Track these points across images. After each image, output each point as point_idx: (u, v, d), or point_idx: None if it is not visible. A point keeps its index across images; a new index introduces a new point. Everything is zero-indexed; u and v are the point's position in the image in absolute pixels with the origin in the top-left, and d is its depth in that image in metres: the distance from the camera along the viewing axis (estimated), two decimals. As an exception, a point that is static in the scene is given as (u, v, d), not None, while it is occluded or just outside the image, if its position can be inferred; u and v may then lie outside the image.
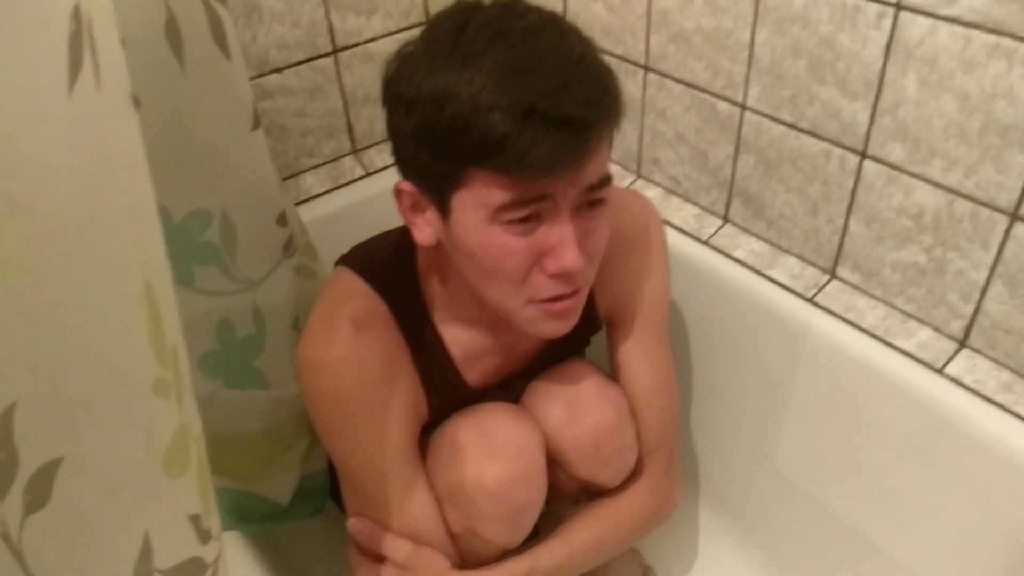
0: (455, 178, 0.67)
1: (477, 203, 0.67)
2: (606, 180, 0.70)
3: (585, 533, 0.89)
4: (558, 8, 1.17)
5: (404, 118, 0.68)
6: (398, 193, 0.74)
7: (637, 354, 0.92)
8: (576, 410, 0.86)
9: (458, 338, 0.84)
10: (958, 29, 0.77)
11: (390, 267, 0.83)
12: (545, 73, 0.64)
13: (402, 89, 0.68)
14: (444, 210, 0.70)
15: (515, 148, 0.63)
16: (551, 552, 0.87)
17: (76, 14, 0.35)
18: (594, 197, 0.70)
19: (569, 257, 0.68)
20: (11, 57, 0.31)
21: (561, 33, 0.68)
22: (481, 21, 0.67)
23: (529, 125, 0.62)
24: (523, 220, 0.67)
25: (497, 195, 0.66)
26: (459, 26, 0.67)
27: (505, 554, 0.88)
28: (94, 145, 0.36)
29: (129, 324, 0.39)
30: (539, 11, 0.70)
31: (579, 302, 0.75)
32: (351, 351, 0.77)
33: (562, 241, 0.68)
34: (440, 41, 0.67)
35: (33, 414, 0.36)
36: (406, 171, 0.73)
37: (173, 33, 0.76)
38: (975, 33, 0.76)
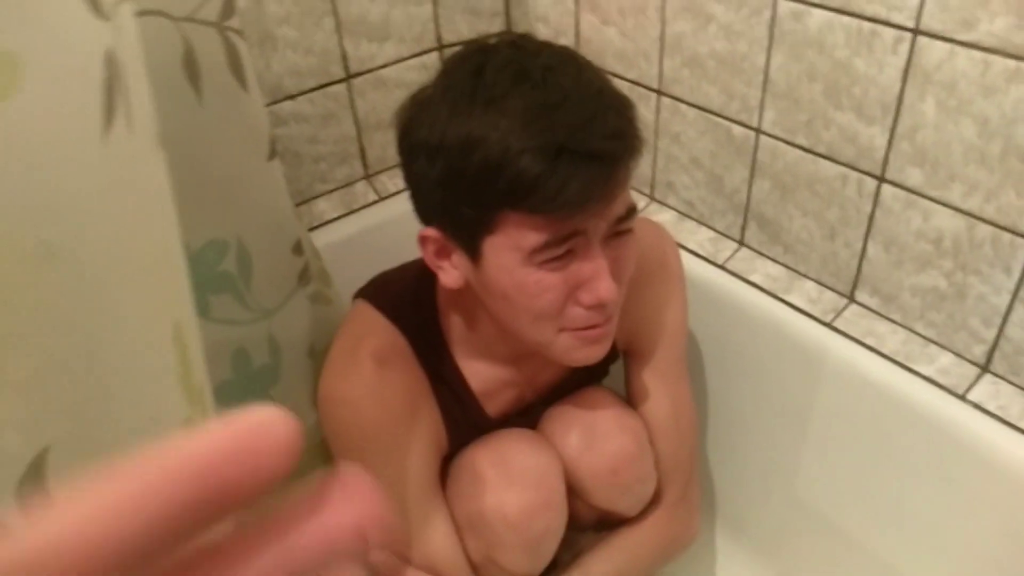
0: (487, 223, 0.67)
1: (511, 246, 0.67)
2: (632, 210, 0.71)
3: (604, 564, 0.88)
4: (570, 32, 1.17)
5: (427, 166, 0.68)
6: (422, 240, 0.73)
7: (655, 383, 0.92)
8: (594, 438, 0.86)
9: (478, 371, 0.84)
10: (977, 54, 0.76)
11: (410, 302, 0.82)
12: (570, 110, 0.63)
13: (423, 136, 0.68)
14: (474, 254, 0.70)
15: (548, 188, 0.63)
16: None
17: (109, 59, 0.35)
18: (622, 228, 0.70)
19: (603, 288, 0.69)
20: (49, 104, 0.31)
21: (578, 68, 0.68)
22: (498, 63, 0.66)
23: (560, 164, 0.62)
24: (557, 257, 0.67)
25: (531, 237, 0.66)
26: (476, 69, 0.67)
27: (525, 585, 0.87)
28: (127, 189, 0.36)
29: (160, 367, 0.39)
30: (551, 47, 0.70)
31: (612, 328, 0.75)
32: (373, 387, 0.76)
33: (596, 273, 0.69)
34: (458, 86, 0.67)
35: (66, 458, 0.36)
36: (430, 218, 0.72)
37: (191, 65, 0.76)
38: (994, 58, 0.75)
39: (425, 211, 0.73)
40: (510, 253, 0.67)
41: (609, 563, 0.88)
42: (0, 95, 0.29)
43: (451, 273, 0.74)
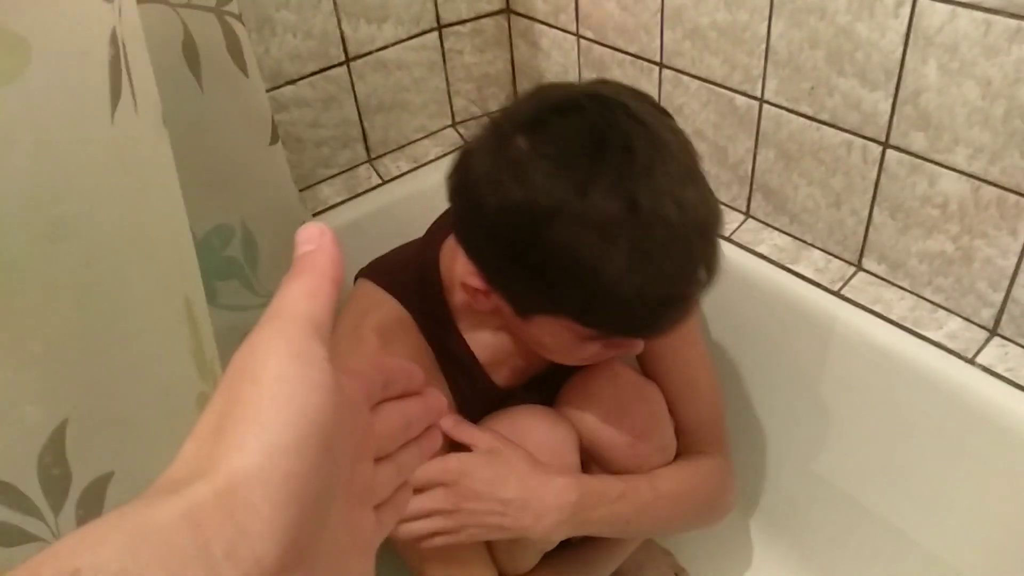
0: (553, 311, 0.69)
1: (569, 329, 0.69)
2: None
3: (672, 482, 0.86)
4: (570, 8, 1.16)
5: (505, 231, 0.65)
6: (463, 287, 0.73)
7: (667, 347, 0.92)
8: (614, 411, 0.86)
9: (483, 343, 0.84)
10: (978, 15, 0.76)
11: (412, 278, 0.83)
12: (675, 255, 0.63)
13: (513, 194, 0.62)
14: (524, 315, 0.71)
15: (636, 325, 0.68)
16: (638, 490, 0.83)
17: (113, 38, 0.35)
18: None
19: (635, 352, 0.76)
20: (57, 85, 0.31)
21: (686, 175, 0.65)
22: (609, 179, 0.61)
23: (657, 310, 0.66)
24: None
25: (594, 335, 0.70)
26: (593, 150, 0.61)
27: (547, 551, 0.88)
28: (135, 168, 0.36)
29: (173, 341, 0.40)
30: (675, 140, 0.66)
31: None
32: None
33: (634, 347, 0.77)
34: (573, 165, 0.61)
35: (84, 430, 0.37)
36: (483, 269, 0.70)
37: (190, 51, 0.76)
38: (996, 18, 0.75)
39: (478, 260, 0.70)
40: (565, 331, 0.70)
41: (675, 484, 0.86)
42: (9, 77, 0.29)
43: (485, 305, 0.74)
